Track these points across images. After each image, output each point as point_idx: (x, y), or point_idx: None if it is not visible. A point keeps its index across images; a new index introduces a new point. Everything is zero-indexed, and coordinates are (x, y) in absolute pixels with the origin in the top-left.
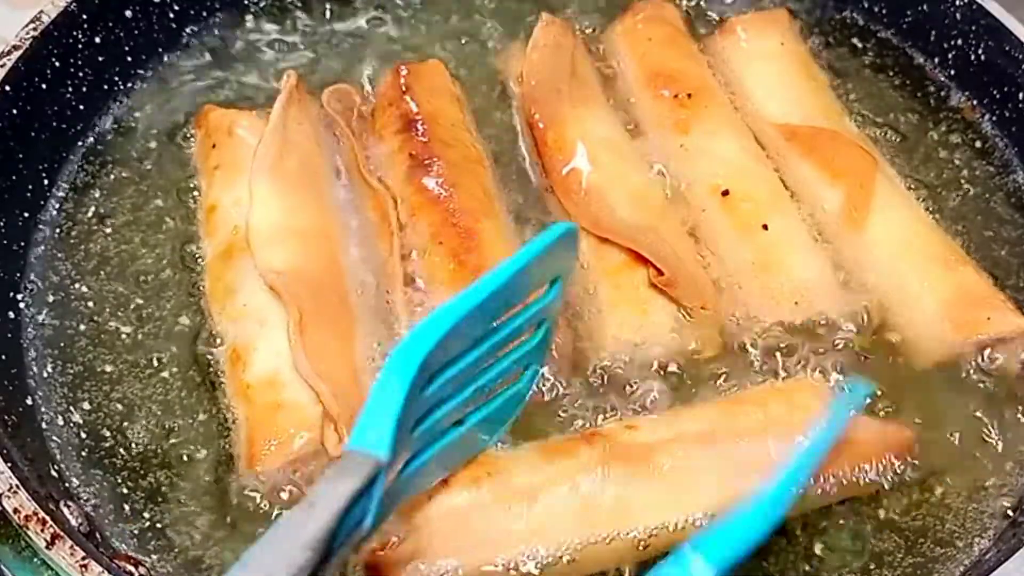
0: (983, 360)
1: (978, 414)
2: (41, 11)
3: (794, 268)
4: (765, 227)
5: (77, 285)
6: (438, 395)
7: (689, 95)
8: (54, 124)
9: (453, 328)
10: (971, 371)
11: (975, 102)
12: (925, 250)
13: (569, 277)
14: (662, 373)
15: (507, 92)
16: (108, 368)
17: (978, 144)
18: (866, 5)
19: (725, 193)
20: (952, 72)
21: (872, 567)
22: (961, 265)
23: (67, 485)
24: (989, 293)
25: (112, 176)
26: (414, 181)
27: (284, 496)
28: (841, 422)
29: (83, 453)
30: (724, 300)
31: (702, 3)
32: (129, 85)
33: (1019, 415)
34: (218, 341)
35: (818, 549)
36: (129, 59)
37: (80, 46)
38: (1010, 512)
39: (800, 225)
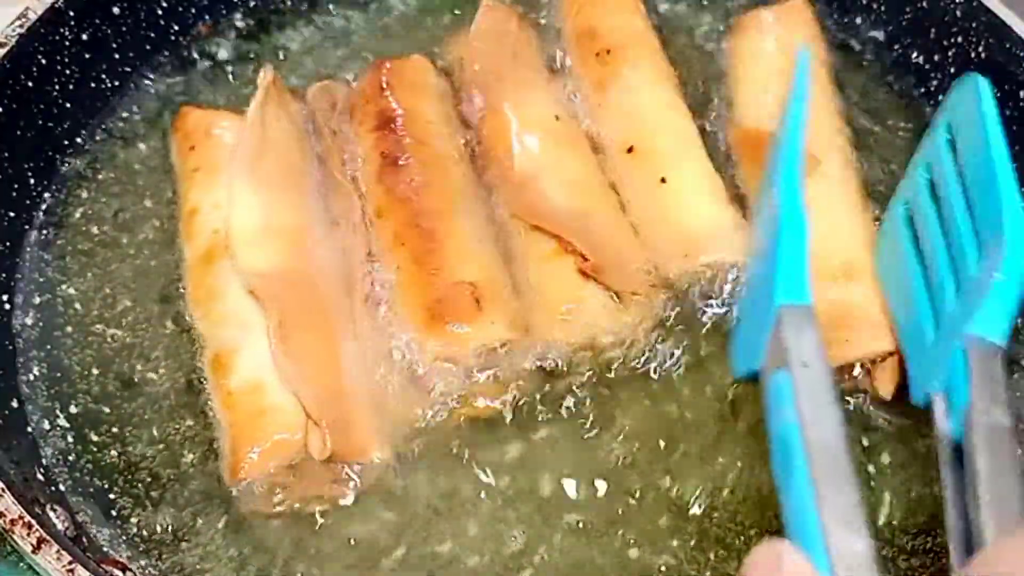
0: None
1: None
2: (27, 8)
3: (691, 220)
4: (663, 180)
5: (64, 287)
6: None
7: (608, 51)
8: (40, 123)
9: None
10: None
11: None
12: (824, 261)
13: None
14: (595, 358)
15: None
16: (95, 371)
17: None
18: (864, 2)
19: (630, 150)
20: (952, 71)
21: None
22: (852, 282)
23: (54, 489)
24: (865, 313)
25: (100, 177)
26: (384, 180)
27: (273, 501)
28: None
29: (70, 457)
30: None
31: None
32: (117, 84)
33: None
34: (202, 347)
35: None
36: (117, 57)
37: (67, 44)
38: None
39: (703, 179)
